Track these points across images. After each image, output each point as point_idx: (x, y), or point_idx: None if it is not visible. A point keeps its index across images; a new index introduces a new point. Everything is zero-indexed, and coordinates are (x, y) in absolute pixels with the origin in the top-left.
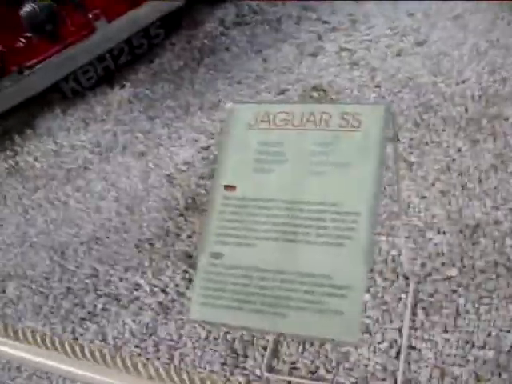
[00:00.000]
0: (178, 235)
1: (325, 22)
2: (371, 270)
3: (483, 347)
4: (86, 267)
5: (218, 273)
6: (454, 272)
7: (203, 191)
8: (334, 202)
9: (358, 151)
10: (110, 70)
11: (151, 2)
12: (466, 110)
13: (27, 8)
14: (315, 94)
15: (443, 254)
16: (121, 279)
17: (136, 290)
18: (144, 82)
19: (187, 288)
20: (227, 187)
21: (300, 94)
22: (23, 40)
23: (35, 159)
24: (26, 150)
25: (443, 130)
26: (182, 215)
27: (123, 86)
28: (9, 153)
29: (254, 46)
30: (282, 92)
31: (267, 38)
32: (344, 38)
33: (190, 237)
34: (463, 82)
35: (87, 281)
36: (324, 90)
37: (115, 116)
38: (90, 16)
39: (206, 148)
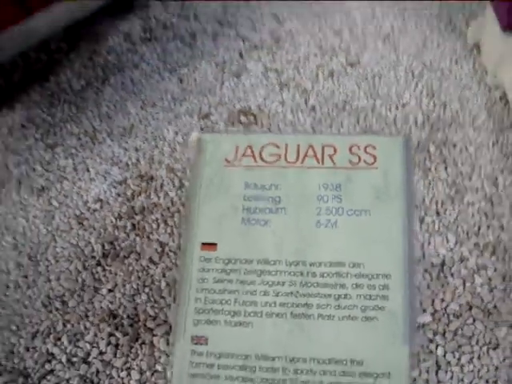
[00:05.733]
0: (96, 289)
1: (245, 40)
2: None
3: None
4: None
5: (204, 364)
6: (427, 318)
7: (123, 234)
8: (354, 261)
9: (377, 194)
10: (1, 89)
11: (55, 8)
12: (412, 136)
13: None
14: (244, 119)
15: None
16: (27, 348)
17: (49, 361)
18: (39, 103)
19: (115, 355)
20: (205, 246)
21: (226, 118)
22: None
23: None
24: None
25: None
26: (99, 264)
27: (13, 108)
28: None
29: (168, 64)
30: (206, 116)
31: (181, 55)
32: (269, 57)
33: (111, 291)
34: (403, 105)
35: None
36: (253, 114)
37: (5, 144)
38: None
39: (121, 182)
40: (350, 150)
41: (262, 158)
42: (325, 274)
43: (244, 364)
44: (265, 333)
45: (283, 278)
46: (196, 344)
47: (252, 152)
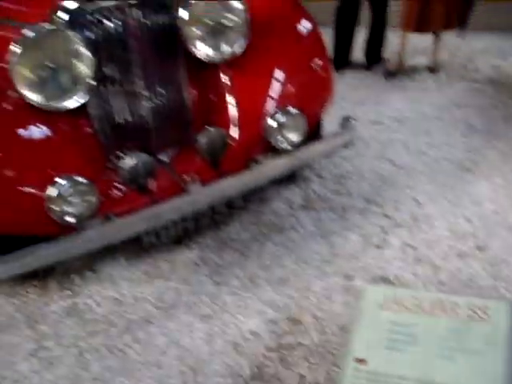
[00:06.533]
0: None
1: (388, 217)
2: None
3: None
4: None
5: None
6: None
7: (270, 363)
8: None
9: (487, 341)
10: (188, 231)
11: (244, 175)
12: None
13: (128, 161)
14: (382, 285)
15: None
16: None
17: None
18: (211, 247)
19: None
20: (358, 360)
21: (368, 281)
22: (117, 187)
23: (96, 303)
24: (86, 293)
25: None
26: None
27: (189, 248)
28: (68, 292)
29: (321, 231)
30: (349, 278)
31: (333, 224)
32: (407, 235)
33: None
34: None
35: None
36: (391, 282)
37: (180, 275)
38: (186, 178)
39: (274, 322)
40: (470, 307)
41: (404, 306)
42: None
43: None
44: None
45: None
46: None
47: (397, 300)
